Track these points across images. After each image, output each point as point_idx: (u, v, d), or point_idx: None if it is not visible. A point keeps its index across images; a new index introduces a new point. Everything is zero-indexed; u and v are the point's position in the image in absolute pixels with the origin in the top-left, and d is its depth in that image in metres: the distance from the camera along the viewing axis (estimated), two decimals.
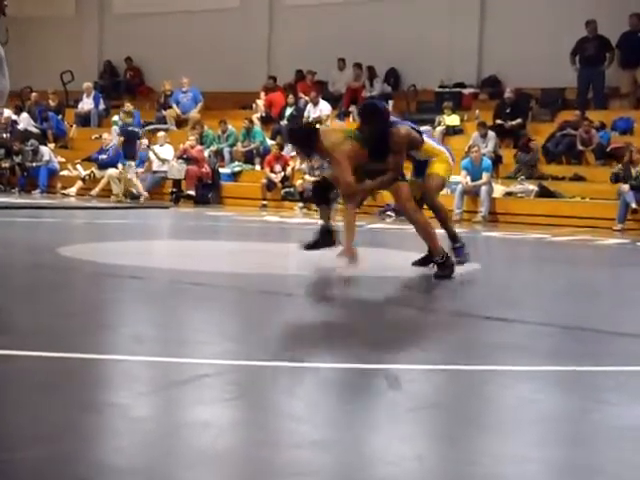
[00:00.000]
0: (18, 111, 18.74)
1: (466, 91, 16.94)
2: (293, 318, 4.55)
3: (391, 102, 17.30)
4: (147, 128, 18.15)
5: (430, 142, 6.62)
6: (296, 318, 4.55)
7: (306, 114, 16.92)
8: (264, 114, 17.76)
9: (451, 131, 15.78)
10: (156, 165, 16.62)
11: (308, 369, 3.29)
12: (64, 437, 2.37)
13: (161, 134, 17.09)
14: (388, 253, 8.61)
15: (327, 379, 3.20)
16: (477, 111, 15.97)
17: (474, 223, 13.11)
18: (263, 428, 2.53)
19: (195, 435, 2.44)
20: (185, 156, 16.23)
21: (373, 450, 2.42)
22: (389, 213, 13.87)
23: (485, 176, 13.59)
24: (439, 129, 15.70)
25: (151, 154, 16.72)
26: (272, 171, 15.69)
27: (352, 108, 17.33)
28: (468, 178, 13.66)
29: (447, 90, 16.88)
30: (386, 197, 14.63)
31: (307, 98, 17.36)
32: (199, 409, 2.68)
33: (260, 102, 18.01)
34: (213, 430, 2.47)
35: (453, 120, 15.87)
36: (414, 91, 16.87)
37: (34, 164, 17.42)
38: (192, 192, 15.99)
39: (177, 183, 16.26)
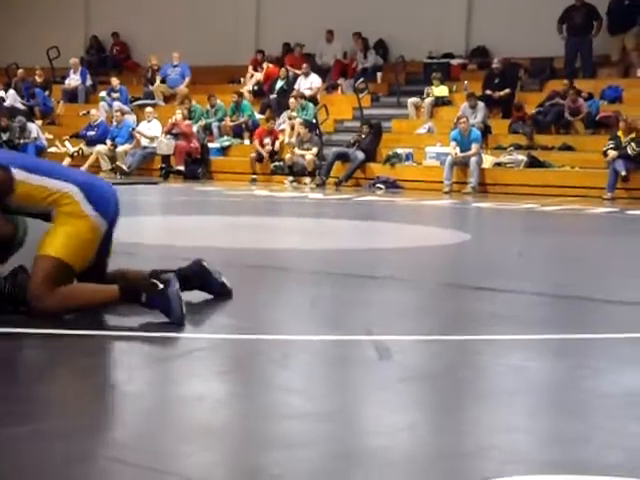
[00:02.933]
0: (5, 88, 18.62)
1: (454, 62, 16.89)
2: (284, 292, 4.56)
3: (380, 74, 17.29)
4: (135, 104, 18.06)
5: (34, 180, 3.57)
6: (286, 292, 4.56)
7: (296, 86, 16.87)
8: (255, 88, 17.68)
9: (440, 102, 15.76)
10: (145, 141, 16.56)
11: (299, 341, 3.31)
12: (60, 411, 2.38)
13: (149, 109, 17.00)
14: (377, 226, 8.63)
15: (318, 351, 3.22)
16: (466, 82, 15.93)
17: (464, 194, 13.12)
18: (256, 401, 2.55)
19: (190, 408, 2.45)
20: (174, 131, 16.16)
21: (365, 421, 2.45)
22: (379, 185, 13.88)
23: (474, 147, 13.59)
24: (428, 101, 15.68)
25: (137, 132, 16.65)
26: (261, 145, 15.65)
27: (341, 81, 17.28)
28: (457, 149, 13.66)
29: (435, 61, 16.82)
30: (376, 170, 14.67)
31: (297, 71, 17.29)
32: (193, 383, 2.70)
33: (250, 75, 17.92)
34: (207, 403, 2.49)
35: (442, 91, 15.83)
36: (402, 63, 16.81)
37: (22, 141, 17.31)
38: (181, 167, 15.93)
39: (166, 159, 16.21)
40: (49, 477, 1.95)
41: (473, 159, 13.48)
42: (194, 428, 2.28)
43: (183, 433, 2.25)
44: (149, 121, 16.72)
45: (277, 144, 15.64)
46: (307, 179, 14.80)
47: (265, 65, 17.87)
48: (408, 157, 14.59)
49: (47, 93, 19.26)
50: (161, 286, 3.40)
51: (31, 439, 2.15)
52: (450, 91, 15.92)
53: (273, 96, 17.03)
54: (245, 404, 2.53)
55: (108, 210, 3.67)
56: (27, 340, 3.15)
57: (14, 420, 2.30)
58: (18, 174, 3.55)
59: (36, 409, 2.41)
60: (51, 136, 17.73)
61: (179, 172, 15.93)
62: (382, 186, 13.82)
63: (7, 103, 18.23)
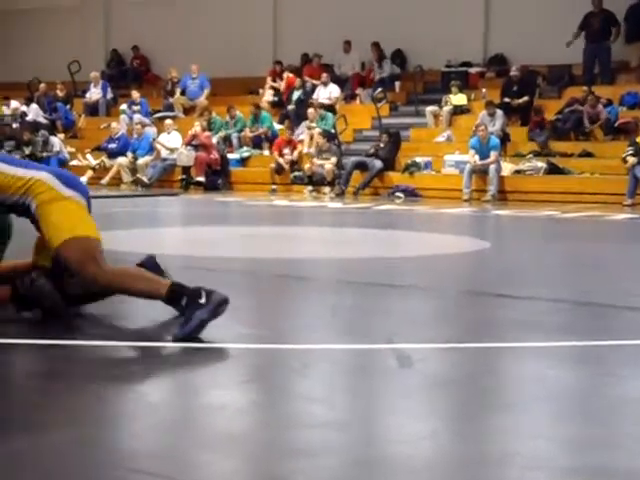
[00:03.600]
0: (27, 102, 18.78)
1: (472, 70, 16.88)
2: (304, 301, 4.57)
3: (398, 83, 17.30)
4: (155, 116, 18.17)
5: (8, 169, 3.59)
6: (307, 301, 4.57)
7: (315, 96, 16.93)
8: (273, 98, 17.74)
9: (458, 110, 15.75)
10: (164, 153, 16.65)
11: (320, 350, 3.32)
12: (82, 422, 2.41)
13: (169, 122, 17.10)
14: (397, 234, 8.63)
15: (339, 360, 3.22)
16: (484, 90, 15.92)
17: (483, 202, 13.09)
18: (277, 409, 2.56)
19: (211, 417, 2.47)
20: (194, 143, 16.24)
21: (387, 429, 2.45)
22: (398, 194, 13.87)
23: (493, 155, 13.56)
24: (446, 109, 15.68)
25: (158, 144, 16.75)
26: (281, 155, 15.70)
27: (359, 90, 17.31)
28: (476, 157, 13.64)
29: (453, 70, 16.82)
30: (394, 179, 14.67)
31: (315, 81, 17.34)
32: (215, 392, 2.71)
33: (269, 86, 17.99)
34: (229, 412, 2.51)
35: (460, 99, 15.83)
36: (420, 72, 16.82)
37: (44, 154, 17.46)
38: (201, 179, 16.00)
39: (186, 170, 16.28)
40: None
41: (492, 167, 13.45)
42: (216, 437, 2.29)
43: (205, 442, 2.26)
44: (169, 133, 16.82)
45: (296, 154, 15.68)
46: (326, 189, 14.83)
47: (285, 75, 17.94)
48: (427, 165, 14.59)
49: (69, 107, 19.43)
50: (203, 300, 3.39)
51: (54, 448, 2.17)
52: (468, 99, 15.91)
53: (291, 107, 17.09)
54: (266, 413, 2.54)
55: (82, 191, 3.68)
56: (52, 351, 3.18)
57: (39, 429, 2.32)
58: None
59: (60, 418, 2.43)
60: (73, 149, 17.88)
61: (199, 183, 16.00)
62: (401, 195, 13.82)
63: (30, 117, 18.39)
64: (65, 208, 3.53)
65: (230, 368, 3.04)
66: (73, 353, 3.19)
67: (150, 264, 3.95)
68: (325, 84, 17.01)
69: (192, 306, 3.36)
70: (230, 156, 16.42)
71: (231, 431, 2.34)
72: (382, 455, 2.20)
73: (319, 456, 2.15)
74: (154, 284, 3.50)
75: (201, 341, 3.38)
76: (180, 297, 3.42)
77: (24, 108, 18.53)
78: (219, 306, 3.39)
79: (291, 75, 17.84)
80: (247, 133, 16.79)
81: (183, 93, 18.56)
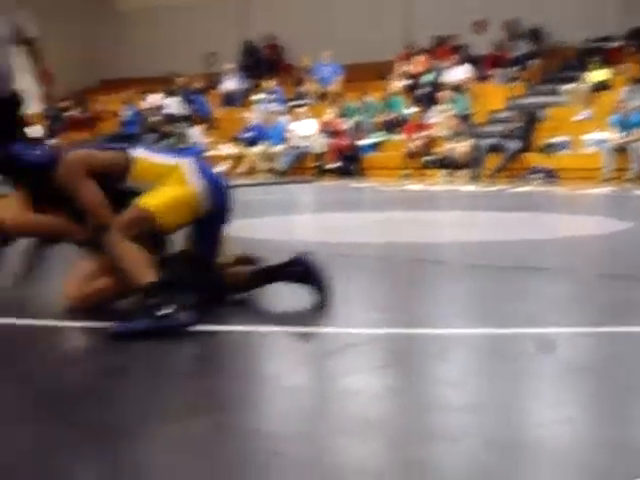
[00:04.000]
0: (166, 95, 19.40)
1: (612, 45, 16.30)
2: (439, 285, 4.57)
3: (533, 62, 16.90)
4: (289, 104, 18.43)
5: (151, 157, 3.76)
6: (442, 285, 4.57)
7: (447, 78, 16.77)
8: (405, 82, 17.68)
9: (600, 87, 15.25)
10: (298, 141, 16.87)
11: (456, 335, 3.32)
12: (223, 405, 2.50)
13: (302, 109, 17.32)
14: (533, 217, 8.47)
15: (475, 345, 3.22)
16: (626, 65, 15.35)
17: (624, 181, 12.65)
18: (414, 394, 2.58)
19: (348, 402, 2.52)
20: (327, 130, 16.39)
21: (523, 414, 2.44)
22: (535, 176, 13.59)
23: (636, 132, 13.08)
24: (585, 86, 15.21)
25: (291, 132, 16.98)
26: (413, 139, 15.63)
27: (493, 71, 17.02)
28: (618, 135, 13.20)
29: (592, 45, 16.29)
30: (531, 160, 14.36)
31: (447, 63, 17.17)
32: (351, 377, 2.76)
33: (400, 70, 17.93)
34: (365, 397, 2.55)
35: (600, 76, 15.32)
36: (557, 49, 16.37)
37: (184, 146, 18.01)
38: (335, 165, 16.14)
39: (320, 157, 16.45)
40: (211, 467, 2.05)
41: (634, 145, 12.98)
42: (352, 421, 2.34)
43: (342, 426, 2.31)
44: (303, 121, 17.02)
45: (429, 138, 15.58)
46: (460, 172, 14.68)
47: (415, 59, 17.84)
48: (564, 145, 14.22)
49: (206, 98, 19.94)
50: (159, 313, 3.27)
51: (201, 432, 2.27)
52: (608, 75, 15.38)
53: (423, 90, 16.98)
54: (403, 397, 2.57)
55: (216, 192, 3.69)
56: (200, 337, 3.29)
57: (183, 414, 2.43)
58: (136, 152, 3.71)
59: (201, 403, 2.53)
60: (210, 140, 18.35)
61: (332, 170, 16.14)
62: (538, 176, 13.53)
63: (168, 110, 19.00)
64: (176, 190, 3.59)
65: (366, 353, 3.09)
66: (221, 339, 3.30)
67: (301, 262, 3.93)
68: (457, 65, 16.82)
69: (148, 311, 3.28)
70: (362, 142, 16.48)
71: (367, 416, 2.38)
72: (519, 439, 2.19)
73: (457, 440, 2.16)
74: (140, 272, 3.43)
75: (336, 326, 3.44)
76: (149, 296, 3.33)
77: (163, 101, 19.16)
78: (171, 327, 3.24)
79: (422, 58, 17.71)
80: (379, 118, 16.80)
81: (316, 81, 18.73)
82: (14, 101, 6.01)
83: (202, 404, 2.52)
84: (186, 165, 3.67)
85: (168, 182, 3.61)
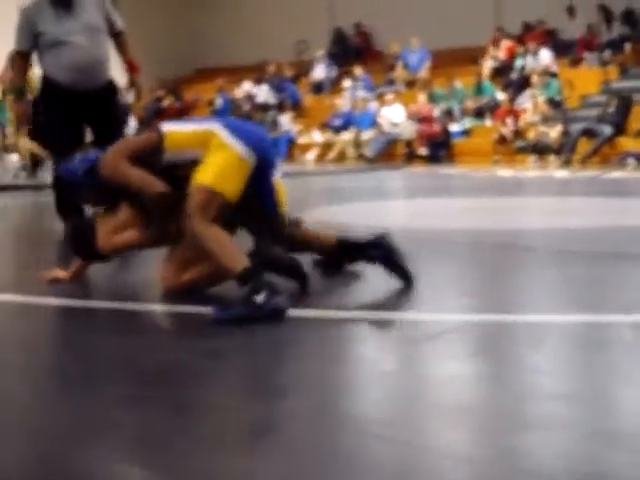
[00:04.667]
0: (257, 83, 19.61)
1: None
2: (530, 272, 4.53)
3: (628, 45, 16.47)
4: (377, 91, 18.41)
5: (182, 128, 3.83)
6: (533, 272, 4.53)
7: (538, 63, 16.49)
8: (495, 67, 17.46)
9: None
10: (387, 127, 16.84)
11: (549, 323, 3.30)
12: (318, 389, 2.55)
13: (391, 96, 17.28)
14: (627, 203, 8.28)
15: (569, 332, 3.19)
16: None
17: None
18: (506, 382, 2.59)
19: (441, 389, 2.54)
20: (416, 116, 16.33)
21: (621, 402, 2.42)
22: (629, 161, 13.27)
23: None
24: None
25: (381, 118, 16.96)
26: (504, 125, 15.44)
27: (586, 54, 16.67)
28: None
29: None
30: (625, 144, 14.02)
31: (538, 48, 16.89)
32: (443, 364, 2.78)
33: (490, 55, 17.71)
34: (457, 384, 2.57)
35: None
36: None
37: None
38: (424, 151, 16.07)
39: (409, 144, 16.40)
40: (306, 448, 2.10)
41: None
42: (445, 407, 2.36)
43: (435, 412, 2.33)
44: (392, 107, 16.99)
45: (520, 123, 15.36)
46: (552, 157, 14.44)
47: (505, 43, 17.60)
48: None
49: (296, 86, 20.09)
50: (260, 299, 3.31)
51: (293, 414, 2.33)
52: None
53: (514, 75, 16.74)
54: (495, 385, 2.58)
55: (256, 144, 3.70)
56: (285, 322, 3.35)
57: (278, 396, 2.50)
58: (165, 127, 3.80)
59: (297, 385, 2.59)
60: (300, 127, 18.49)
61: (422, 156, 16.08)
62: (633, 161, 13.21)
63: (259, 99, 19.20)
64: (222, 157, 3.62)
65: (457, 339, 3.10)
66: (313, 324, 3.36)
67: (380, 242, 3.97)
68: (548, 50, 16.53)
69: (246, 298, 3.32)
70: (452, 128, 16.36)
71: (460, 402, 2.39)
72: (618, 428, 2.17)
73: (552, 429, 2.15)
74: (232, 259, 3.46)
75: (428, 312, 3.46)
76: (245, 283, 3.38)
77: (254, 89, 19.37)
78: (269, 313, 3.29)
79: (510, 43, 17.47)
80: (469, 104, 16.64)
81: (404, 67, 18.66)
82: (111, 89, 6.20)
83: (296, 386, 2.57)
84: (219, 129, 3.70)
85: (210, 151, 3.64)
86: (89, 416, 2.31)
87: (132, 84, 6.36)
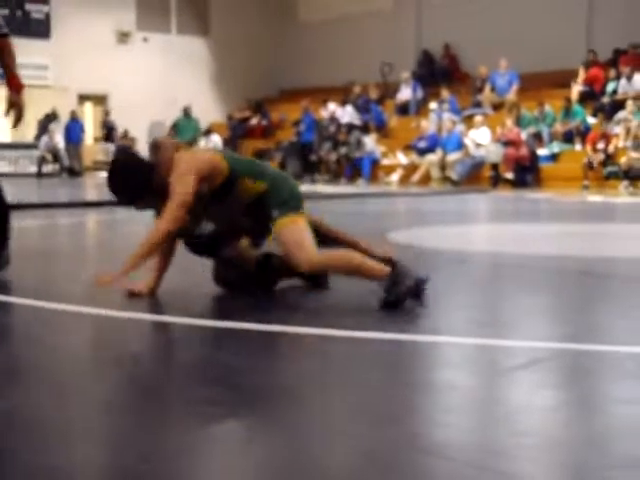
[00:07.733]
0: (342, 104, 19.69)
1: None
2: (622, 300, 4.38)
3: None
4: (464, 113, 18.27)
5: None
6: (625, 300, 4.37)
7: (632, 87, 16.13)
8: (585, 90, 17.16)
9: None
10: (474, 150, 16.69)
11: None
12: (405, 416, 2.48)
13: (478, 118, 17.12)
14: None
15: None
16: None
17: None
18: (602, 415, 2.48)
19: (531, 417, 2.45)
20: (503, 139, 16.13)
21: None
22: None
23: None
24: None
25: (467, 140, 16.82)
26: (594, 150, 15.12)
27: None
28: None
29: None
30: None
31: (631, 72, 16.54)
32: (535, 392, 2.68)
33: (581, 79, 17.42)
34: (548, 413, 2.47)
35: None
36: None
37: (358, 154, 18.20)
38: (510, 175, 15.85)
39: (495, 167, 16.20)
40: (374, 467, 2.04)
41: None
42: (532, 437, 2.27)
43: (522, 441, 2.25)
44: (478, 130, 16.84)
45: (611, 148, 15.03)
46: None
47: (595, 67, 17.30)
48: None
49: (381, 107, 20.10)
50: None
51: (374, 443, 2.26)
52: None
53: (606, 99, 16.41)
54: (589, 417, 2.47)
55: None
56: (362, 344, 3.30)
57: (361, 423, 2.44)
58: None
59: (381, 413, 2.53)
60: (384, 148, 18.47)
61: (508, 180, 15.86)
62: None
63: (344, 119, 19.27)
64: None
65: (544, 369, 2.99)
66: (396, 347, 3.29)
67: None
68: (629, 77, 16.16)
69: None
70: (540, 152, 16.11)
71: (549, 432, 2.30)
72: None
73: None
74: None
75: (517, 339, 3.35)
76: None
77: (339, 110, 19.45)
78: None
79: (603, 67, 17.16)
80: (558, 128, 16.37)
81: (492, 89, 18.49)
82: None
83: (383, 412, 2.51)
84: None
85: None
86: (188, 433, 2.29)
87: (12, 104, 4.75)
